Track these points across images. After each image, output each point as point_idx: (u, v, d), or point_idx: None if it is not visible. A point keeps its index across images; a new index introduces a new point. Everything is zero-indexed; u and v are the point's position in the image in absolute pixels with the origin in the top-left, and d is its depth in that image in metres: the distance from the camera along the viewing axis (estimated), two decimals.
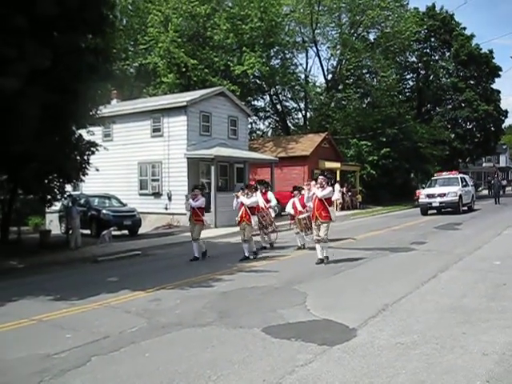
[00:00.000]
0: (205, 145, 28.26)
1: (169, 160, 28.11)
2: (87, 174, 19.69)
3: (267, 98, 53.66)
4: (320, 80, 55.67)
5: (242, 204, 15.34)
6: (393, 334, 7.13)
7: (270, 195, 17.89)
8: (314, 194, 13.82)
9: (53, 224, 27.65)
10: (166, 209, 28.25)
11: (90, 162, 19.47)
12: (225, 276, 12.39)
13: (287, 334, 7.36)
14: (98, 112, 19.05)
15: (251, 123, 50.47)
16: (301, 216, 16.33)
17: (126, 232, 23.85)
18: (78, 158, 18.92)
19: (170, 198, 28.10)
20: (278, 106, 54.49)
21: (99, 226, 21.99)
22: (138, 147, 29.17)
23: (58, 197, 19.75)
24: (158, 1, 42.05)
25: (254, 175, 35.76)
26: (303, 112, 54.44)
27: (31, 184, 16.82)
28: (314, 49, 51.45)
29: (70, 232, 19.84)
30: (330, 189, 13.75)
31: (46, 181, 18.52)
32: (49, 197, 18.74)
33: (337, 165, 38.90)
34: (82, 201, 23.96)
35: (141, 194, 29.43)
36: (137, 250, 18.05)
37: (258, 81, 48.11)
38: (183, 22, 41.61)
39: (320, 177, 13.93)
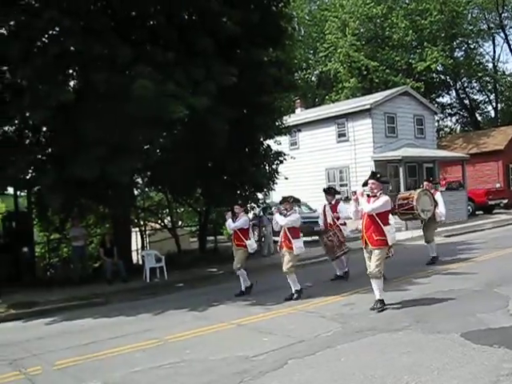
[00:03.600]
0: (391, 146, 27.76)
1: (356, 164, 27.99)
2: (276, 183, 20.27)
3: (453, 93, 51.48)
4: (511, 68, 52.27)
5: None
6: None
7: (342, 207, 13.23)
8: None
9: None
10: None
11: (279, 170, 20.05)
12: (419, 279, 12.04)
13: (489, 340, 6.95)
14: (284, 122, 19.60)
15: (438, 121, 48.66)
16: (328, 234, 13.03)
17: (316, 238, 24.08)
18: (268, 167, 19.58)
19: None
20: (466, 101, 51.94)
21: None
22: (325, 153, 29.39)
23: (253, 205, 20.57)
24: (334, 7, 42.34)
25: (445, 174, 34.39)
26: (493, 104, 51.32)
27: (223, 196, 17.69)
28: (502, 34, 48.42)
29: (263, 239, 20.53)
30: (384, 199, 9.43)
31: (238, 191, 19.36)
32: None
33: None
34: (273, 209, 24.63)
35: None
36: (326, 255, 18.08)
37: (441, 76, 46.41)
38: (360, 25, 41.45)
39: (370, 181, 9.67)
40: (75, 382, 6.69)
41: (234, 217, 12.60)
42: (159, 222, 23.93)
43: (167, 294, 13.33)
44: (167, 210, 24.93)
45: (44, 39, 12.97)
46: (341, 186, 28.80)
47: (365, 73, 39.77)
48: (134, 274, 15.99)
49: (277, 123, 18.82)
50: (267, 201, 26.29)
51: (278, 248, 11.79)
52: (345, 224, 13.16)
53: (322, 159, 29.50)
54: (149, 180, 19.84)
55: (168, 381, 6.56)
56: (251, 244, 12.34)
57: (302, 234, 11.79)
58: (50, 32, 12.82)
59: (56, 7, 11.84)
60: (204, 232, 21.57)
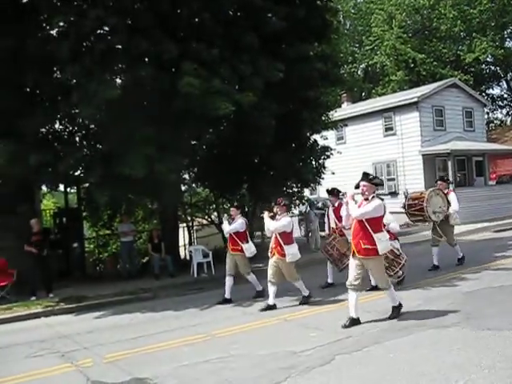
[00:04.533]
0: (439, 140, 27.26)
1: (403, 158, 27.61)
2: (323, 178, 20.18)
3: (503, 84, 50.15)
4: None
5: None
6: None
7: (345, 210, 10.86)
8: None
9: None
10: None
11: (326, 165, 19.97)
12: (469, 275, 11.81)
13: None
14: (330, 116, 19.50)
15: (487, 113, 47.54)
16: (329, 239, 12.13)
17: None
18: (314, 162, 19.52)
19: (406, 197, 27.54)
20: None
21: None
22: (372, 147, 29.06)
23: (297, 202, 20.53)
24: (380, 0, 41.78)
25: (495, 167, 33.62)
26: None
27: (269, 192, 17.71)
28: None
29: (310, 234, 20.47)
30: (376, 203, 8.38)
31: (284, 188, 19.35)
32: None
33: None
34: (320, 204, 24.59)
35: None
36: None
37: (491, 67, 45.30)
38: (407, 17, 40.87)
39: (361, 183, 8.67)
40: (125, 375, 6.79)
41: (231, 219, 11.64)
42: (206, 217, 24.10)
43: (214, 288, 13.39)
44: (214, 206, 25.09)
45: (91, 38, 13.18)
46: (388, 180, 28.48)
47: (412, 65, 39.18)
48: (182, 269, 16.15)
49: (323, 118, 18.73)
50: (314, 196, 26.25)
51: (270, 255, 10.56)
52: (350, 228, 11.53)
53: (368, 153, 29.17)
54: (195, 176, 20.03)
55: (215, 375, 6.59)
56: (249, 248, 11.42)
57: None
58: (98, 31, 13.02)
59: (102, 6, 12.02)
60: (250, 227, 21.59)
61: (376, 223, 8.37)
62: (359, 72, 47.15)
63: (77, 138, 14.86)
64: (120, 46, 12.84)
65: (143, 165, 12.74)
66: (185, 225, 22.08)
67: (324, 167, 19.85)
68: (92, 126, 15.01)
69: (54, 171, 13.24)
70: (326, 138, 20.94)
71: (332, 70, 17.06)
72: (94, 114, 12.66)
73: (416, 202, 13.06)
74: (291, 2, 15.09)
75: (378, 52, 40.86)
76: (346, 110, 31.13)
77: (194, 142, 16.13)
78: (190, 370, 6.90)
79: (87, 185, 14.44)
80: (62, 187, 17.40)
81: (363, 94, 44.89)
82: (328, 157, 19.90)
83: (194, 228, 23.27)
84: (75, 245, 17.69)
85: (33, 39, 13.42)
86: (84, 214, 18.76)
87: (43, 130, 14.09)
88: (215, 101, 12.44)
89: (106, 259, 21.87)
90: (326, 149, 19.74)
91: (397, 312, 8.63)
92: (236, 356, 7.33)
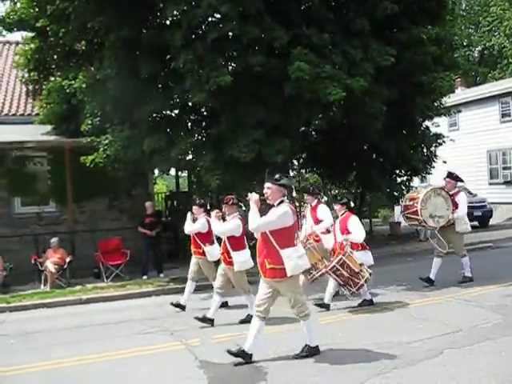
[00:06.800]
0: None
1: None
2: (434, 166, 19.60)
3: None
4: None
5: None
6: None
7: (322, 211, 10.26)
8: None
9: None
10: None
11: (437, 153, 19.38)
12: None
13: None
14: (443, 102, 18.86)
15: None
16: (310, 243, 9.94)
17: (475, 223, 23.05)
18: (425, 150, 19.00)
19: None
20: None
21: None
22: (486, 134, 27.83)
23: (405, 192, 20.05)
24: None
25: None
26: None
27: (378, 180, 17.43)
28: None
29: None
30: (280, 211, 6.56)
31: (393, 176, 18.96)
32: (395, 193, 19.01)
33: None
34: None
35: (490, 184, 28.10)
36: (488, 241, 17.33)
37: None
38: None
39: (265, 184, 6.82)
40: (231, 357, 6.89)
41: (195, 218, 10.31)
42: None
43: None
44: (322, 192, 25.07)
45: (203, 26, 13.45)
46: (504, 169, 27.26)
47: None
48: None
49: (436, 104, 18.14)
50: (424, 184, 25.53)
51: (222, 262, 9.12)
52: (328, 232, 10.04)
53: (483, 141, 27.98)
54: (304, 161, 20.06)
55: (316, 361, 6.60)
56: (211, 251, 9.92)
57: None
58: (209, 19, 13.27)
59: None
60: (360, 215, 21.36)
61: (283, 236, 6.57)
62: (475, 55, 45.21)
63: (189, 124, 15.25)
64: (231, 34, 13.03)
65: (252, 148, 12.92)
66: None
67: (435, 155, 19.27)
68: (203, 111, 15.37)
69: (166, 156, 13.71)
70: (438, 125, 20.25)
71: (446, 54, 16.44)
72: (206, 99, 12.94)
73: (412, 203, 11.05)
74: None
75: (496, 33, 38.99)
76: (460, 95, 29.96)
77: (303, 128, 16.12)
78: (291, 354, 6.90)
79: (198, 169, 14.79)
80: (173, 171, 17.98)
81: (478, 78, 43.02)
82: (440, 144, 19.30)
83: (302, 214, 23.35)
84: None
85: (147, 29, 13.95)
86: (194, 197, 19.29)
87: (156, 116, 14.58)
88: (326, 86, 12.37)
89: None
90: (438, 136, 19.15)
91: (309, 351, 6.84)
92: (339, 344, 7.30)
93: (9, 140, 15.20)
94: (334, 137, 16.54)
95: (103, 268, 14.29)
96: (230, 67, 13.79)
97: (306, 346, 6.82)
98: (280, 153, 13.21)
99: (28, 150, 15.92)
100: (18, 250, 14.89)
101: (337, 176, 20.43)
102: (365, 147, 18.17)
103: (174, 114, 15.14)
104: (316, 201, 10.43)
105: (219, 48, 12.90)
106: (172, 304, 10.32)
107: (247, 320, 8.30)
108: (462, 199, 10.99)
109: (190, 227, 10.13)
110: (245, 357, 6.67)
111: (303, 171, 23.43)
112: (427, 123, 19.20)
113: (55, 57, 16.11)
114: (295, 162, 18.80)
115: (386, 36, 14.28)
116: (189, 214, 10.42)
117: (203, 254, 9.98)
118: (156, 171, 17.08)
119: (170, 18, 13.43)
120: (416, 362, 6.27)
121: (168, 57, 13.74)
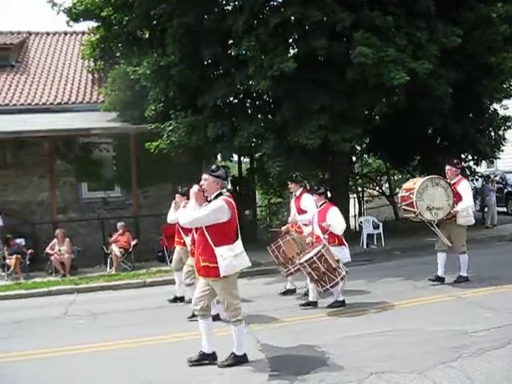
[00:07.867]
0: None
1: None
2: (503, 150, 19.00)
3: None
4: None
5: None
6: None
7: (306, 201, 9.67)
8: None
9: None
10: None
11: (506, 137, 18.77)
12: None
13: None
14: None
15: None
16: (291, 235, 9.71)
17: None
18: (493, 134, 18.44)
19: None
20: None
21: None
22: None
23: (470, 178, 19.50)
24: None
25: None
26: None
27: (442, 165, 17.03)
28: None
29: (486, 210, 19.43)
30: (214, 206, 6.15)
31: (459, 160, 18.48)
32: None
33: None
34: (498, 177, 23.19)
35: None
36: None
37: None
38: None
39: (203, 176, 6.38)
40: (292, 341, 6.93)
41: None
42: (377, 188, 23.83)
43: (384, 261, 13.23)
44: (385, 177, 24.70)
45: (265, 11, 13.40)
46: None
47: None
48: (351, 240, 16.05)
49: (505, 85, 17.55)
50: (491, 169, 24.83)
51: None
52: (308, 225, 9.55)
53: None
54: (367, 146, 19.80)
55: (377, 348, 6.52)
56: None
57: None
58: (271, 3, 13.22)
59: None
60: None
61: (219, 232, 6.16)
62: None
63: (251, 110, 15.28)
64: (293, 18, 12.94)
65: (318, 135, 12.84)
66: (355, 195, 22.01)
67: (504, 139, 18.64)
68: (266, 97, 15.36)
69: (229, 142, 13.79)
70: (507, 108, 19.59)
71: None
72: (269, 85, 12.91)
73: (407, 194, 10.04)
74: None
75: None
76: None
77: (366, 112, 15.90)
78: (352, 341, 6.86)
79: (260, 154, 14.82)
80: (235, 157, 18.09)
81: None
82: (509, 127, 18.66)
83: (365, 199, 23.13)
84: (247, 212, 18.32)
85: (209, 15, 14.01)
86: (256, 182, 19.39)
87: (219, 102, 14.66)
88: (390, 70, 12.16)
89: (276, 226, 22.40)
90: (507, 119, 18.53)
91: (235, 360, 6.28)
92: (401, 331, 7.20)
93: (76, 127, 15.62)
94: (397, 121, 16.23)
95: (167, 252, 14.51)
96: (292, 52, 13.72)
97: (232, 353, 6.28)
98: (349, 141, 13.08)
99: (94, 137, 16.34)
100: (85, 233, 15.37)
101: (400, 161, 20.10)
102: (429, 131, 17.77)
103: (236, 101, 15.19)
104: (300, 190, 9.91)
105: (281, 33, 12.84)
106: (169, 300, 10.16)
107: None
108: (466, 188, 10.02)
109: (172, 216, 9.55)
110: (207, 358, 6.37)
111: (366, 156, 23.14)
112: (495, 106, 18.65)
113: (119, 45, 16.43)
114: (357, 148, 18.57)
115: (452, 16, 13.89)
116: (173, 202, 9.88)
117: (185, 244, 9.36)
118: (219, 157, 17.23)
119: (232, 4, 13.45)
120: (482, 351, 6.09)
121: (230, 42, 13.78)
